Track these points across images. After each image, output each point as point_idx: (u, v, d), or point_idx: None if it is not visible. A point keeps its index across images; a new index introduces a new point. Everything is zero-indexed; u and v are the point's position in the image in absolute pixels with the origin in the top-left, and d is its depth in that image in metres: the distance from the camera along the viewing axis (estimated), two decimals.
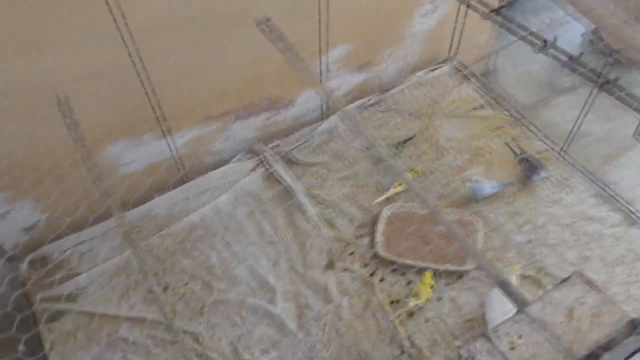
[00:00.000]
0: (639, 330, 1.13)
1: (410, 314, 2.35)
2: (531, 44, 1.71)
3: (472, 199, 2.72)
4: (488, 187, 2.69)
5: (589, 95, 2.17)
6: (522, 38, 1.72)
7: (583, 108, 2.50)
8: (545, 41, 1.65)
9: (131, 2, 2.07)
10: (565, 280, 1.28)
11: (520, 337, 1.19)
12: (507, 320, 1.24)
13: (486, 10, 1.85)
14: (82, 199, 2.17)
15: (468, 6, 2.09)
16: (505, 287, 1.41)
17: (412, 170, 2.82)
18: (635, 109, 1.39)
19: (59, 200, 2.32)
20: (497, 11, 1.78)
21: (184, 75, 2.46)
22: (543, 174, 2.74)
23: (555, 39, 1.67)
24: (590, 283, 1.26)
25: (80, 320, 2.42)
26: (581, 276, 1.28)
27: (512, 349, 1.17)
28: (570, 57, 1.62)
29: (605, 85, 1.54)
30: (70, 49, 2.12)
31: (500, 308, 2.12)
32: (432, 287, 2.40)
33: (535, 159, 2.78)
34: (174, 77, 2.43)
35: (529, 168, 2.74)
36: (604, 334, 1.16)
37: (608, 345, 1.09)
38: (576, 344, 1.15)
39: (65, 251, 2.63)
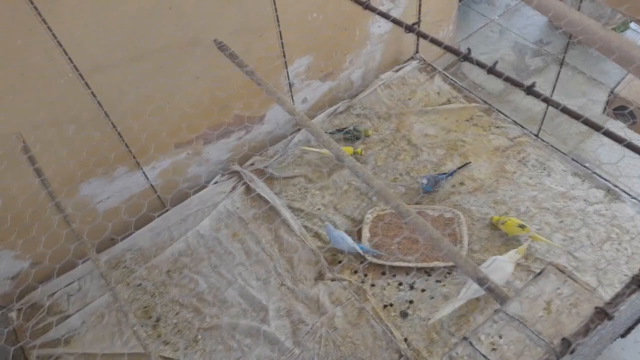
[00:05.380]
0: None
1: (404, 315, 2.35)
2: (455, 53, 1.73)
3: (454, 193, 2.72)
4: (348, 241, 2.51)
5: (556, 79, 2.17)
6: (446, 48, 1.72)
7: (552, 91, 2.50)
8: (468, 49, 1.65)
9: (77, 46, 2.07)
10: (540, 272, 1.28)
11: (500, 336, 1.18)
12: (487, 321, 1.23)
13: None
14: (62, 242, 2.16)
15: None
16: (484, 283, 1.41)
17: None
18: (562, 110, 1.40)
19: (39, 245, 2.30)
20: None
21: (145, 107, 2.45)
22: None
23: (469, 50, 1.67)
24: (565, 272, 1.25)
25: None
26: (555, 266, 1.28)
27: (494, 349, 1.17)
28: (490, 68, 1.62)
29: (530, 89, 1.55)
30: (27, 96, 2.11)
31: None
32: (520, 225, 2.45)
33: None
34: (136, 110, 2.42)
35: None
36: (584, 323, 1.16)
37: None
38: (557, 337, 1.15)
39: (54, 294, 2.61)
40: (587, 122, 1.45)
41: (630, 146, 1.37)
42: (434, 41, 1.70)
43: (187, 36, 2.37)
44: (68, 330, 2.50)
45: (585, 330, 1.00)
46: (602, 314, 1.06)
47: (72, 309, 2.56)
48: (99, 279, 2.65)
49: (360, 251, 2.49)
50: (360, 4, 1.96)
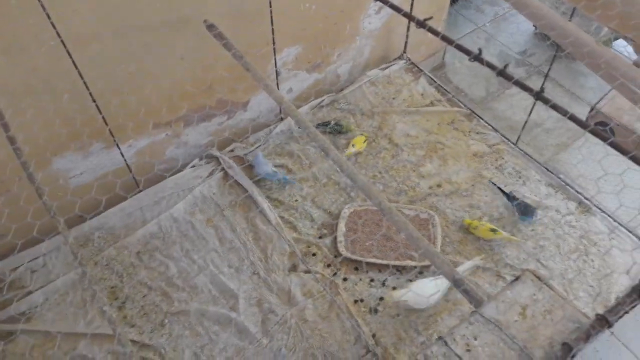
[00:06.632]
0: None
1: (374, 311, 2.36)
2: (466, 52, 1.73)
3: (431, 195, 2.75)
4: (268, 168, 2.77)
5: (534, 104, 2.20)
6: (458, 47, 1.73)
7: (533, 106, 2.54)
8: (479, 50, 1.67)
9: (63, 13, 2.00)
10: (517, 278, 1.29)
11: (475, 338, 1.19)
12: (463, 322, 1.24)
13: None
14: (31, 214, 2.09)
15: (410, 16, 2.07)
16: (460, 285, 1.42)
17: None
18: (570, 118, 1.42)
19: (5, 217, 2.22)
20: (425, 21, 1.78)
21: (127, 84, 2.39)
22: (536, 216, 2.61)
23: (480, 51, 1.70)
24: (541, 279, 1.27)
25: (35, 340, 2.32)
26: (532, 273, 1.29)
27: (468, 350, 1.18)
28: (501, 70, 1.64)
29: (539, 94, 1.57)
30: (5, 62, 2.03)
31: None
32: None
33: (527, 203, 2.63)
34: (118, 86, 2.36)
35: (523, 210, 2.60)
36: (557, 330, 1.18)
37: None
38: (530, 342, 1.17)
39: (17, 268, 2.53)
40: (593, 132, 1.45)
41: (613, 144, 1.39)
42: (445, 39, 1.70)
43: (176, 15, 2.32)
44: (29, 306, 2.42)
45: (587, 337, 1.02)
46: (603, 320, 1.07)
47: (36, 285, 2.49)
48: (65, 256, 2.58)
49: (279, 176, 2.75)
50: None
